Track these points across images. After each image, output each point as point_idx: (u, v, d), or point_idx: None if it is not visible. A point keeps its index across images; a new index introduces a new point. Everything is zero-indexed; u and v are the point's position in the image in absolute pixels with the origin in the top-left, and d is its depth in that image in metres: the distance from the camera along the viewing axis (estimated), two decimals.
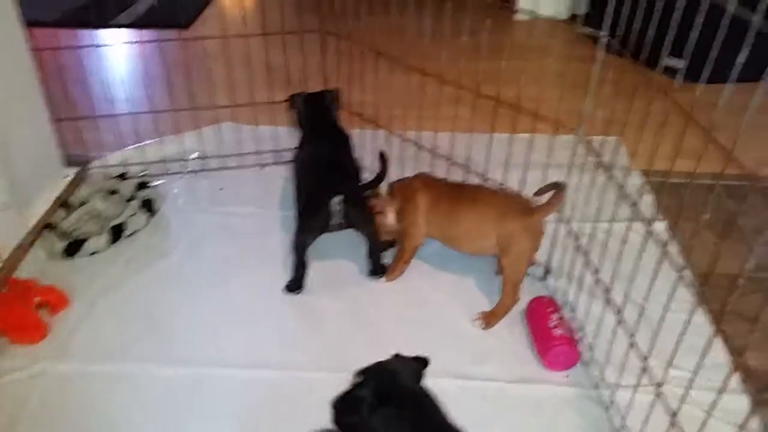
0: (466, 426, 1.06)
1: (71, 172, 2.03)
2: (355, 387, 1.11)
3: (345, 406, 1.11)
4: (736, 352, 0.94)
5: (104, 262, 1.75)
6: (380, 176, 1.63)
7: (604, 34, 1.34)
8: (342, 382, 1.19)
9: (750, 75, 1.05)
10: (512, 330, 1.55)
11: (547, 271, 1.70)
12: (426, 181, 1.68)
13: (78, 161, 2.08)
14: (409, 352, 1.20)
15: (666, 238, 1.15)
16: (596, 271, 1.39)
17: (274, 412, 1.34)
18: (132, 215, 1.85)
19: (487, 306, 1.61)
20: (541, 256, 1.69)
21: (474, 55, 1.58)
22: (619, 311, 1.28)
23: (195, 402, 1.38)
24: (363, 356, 1.17)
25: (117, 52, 1.97)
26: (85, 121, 2.00)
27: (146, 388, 1.41)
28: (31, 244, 1.79)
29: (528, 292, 1.61)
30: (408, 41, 1.71)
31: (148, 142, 2.16)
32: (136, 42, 1.96)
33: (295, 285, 1.65)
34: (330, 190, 1.57)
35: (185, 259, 1.78)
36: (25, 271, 1.70)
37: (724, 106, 0.94)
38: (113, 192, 1.97)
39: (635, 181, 1.36)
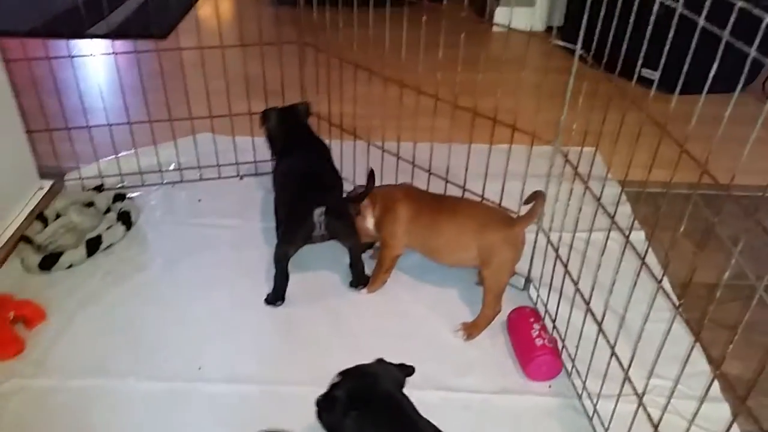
0: None
1: (46, 185, 2.00)
2: (333, 387, 1.14)
3: (323, 405, 1.15)
4: (716, 361, 0.95)
5: (81, 275, 1.72)
6: (364, 193, 1.63)
7: (577, 48, 1.36)
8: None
9: (724, 87, 1.08)
10: (494, 341, 1.56)
11: (528, 282, 1.70)
12: (407, 192, 1.69)
13: (53, 173, 2.05)
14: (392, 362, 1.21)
15: (644, 247, 1.16)
16: (576, 282, 1.40)
17: (253, 427, 1.33)
18: (108, 228, 1.83)
19: (469, 317, 1.61)
20: (522, 266, 1.70)
21: (452, 66, 1.59)
22: (599, 321, 1.29)
23: (174, 417, 1.36)
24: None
25: (92, 63, 1.95)
26: (60, 132, 1.98)
27: (125, 403, 1.38)
28: (6, 257, 1.76)
29: (509, 302, 1.62)
30: (386, 53, 1.71)
31: (124, 153, 2.14)
32: (112, 53, 1.94)
33: (275, 297, 1.64)
34: (312, 202, 1.57)
35: (163, 272, 1.76)
36: (0, 285, 1.66)
37: (699, 116, 0.95)
38: (89, 204, 1.95)
39: (612, 191, 1.37)
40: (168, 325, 1.59)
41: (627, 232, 1.17)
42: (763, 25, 0.79)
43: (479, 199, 1.75)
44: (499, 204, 1.69)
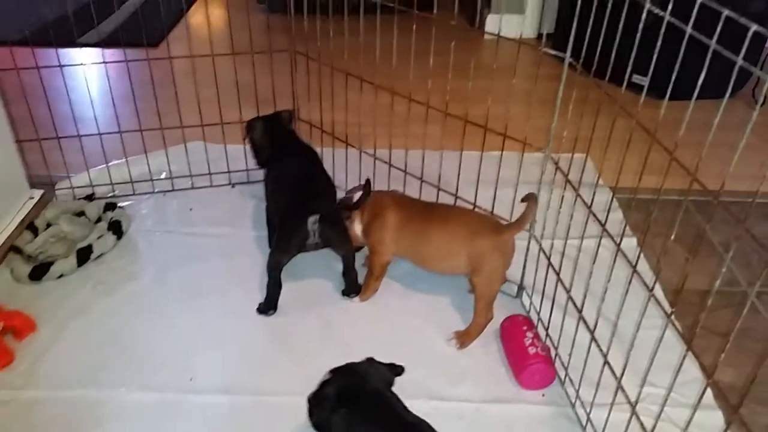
0: None
1: (37, 194, 1.99)
2: (322, 385, 1.17)
3: (313, 403, 1.17)
4: (709, 369, 0.95)
5: (72, 285, 1.71)
6: (359, 202, 1.62)
7: (566, 56, 1.36)
8: None
9: (714, 93, 1.08)
10: (487, 349, 1.55)
11: (521, 289, 1.70)
12: (396, 198, 1.68)
13: (43, 183, 2.04)
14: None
15: (636, 254, 1.16)
16: (569, 289, 1.39)
17: None
18: (99, 237, 1.82)
19: (461, 325, 1.60)
20: (514, 273, 1.70)
21: (443, 74, 1.59)
22: (592, 329, 1.29)
23: (165, 428, 1.35)
24: None
25: (83, 72, 1.95)
26: (50, 141, 1.97)
27: (116, 415, 1.37)
28: None
29: (502, 310, 1.61)
30: (377, 61, 1.71)
31: (115, 162, 2.13)
32: (102, 62, 1.93)
33: (267, 306, 1.63)
34: (306, 210, 1.57)
35: (155, 282, 1.75)
36: None
37: (689, 122, 0.96)
38: (80, 214, 1.94)
39: (603, 197, 1.37)
40: (159, 335, 1.58)
41: (618, 240, 1.17)
42: (750, 34, 0.79)
43: (471, 206, 1.75)
44: (491, 211, 1.69)
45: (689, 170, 0.95)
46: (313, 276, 1.77)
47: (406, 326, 1.62)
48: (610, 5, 1.16)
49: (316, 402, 1.17)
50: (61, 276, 1.72)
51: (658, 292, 1.58)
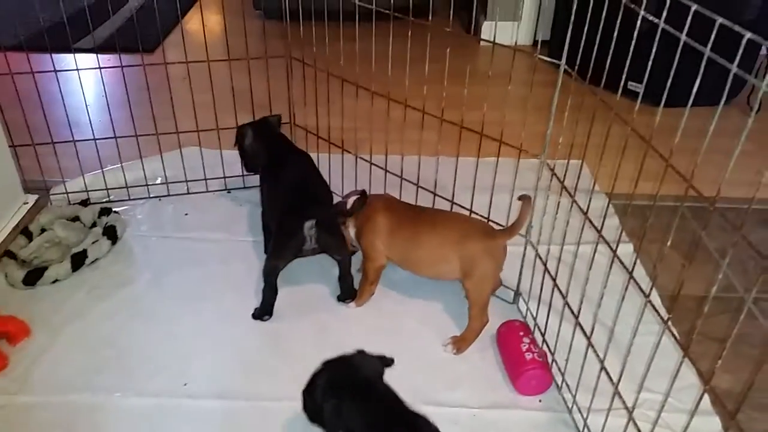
0: None
1: (31, 199, 1.98)
2: (314, 376, 1.20)
3: (306, 395, 1.21)
4: (706, 375, 0.95)
5: (66, 290, 1.71)
6: (353, 209, 1.62)
7: (561, 62, 1.37)
8: None
9: (709, 100, 1.08)
10: (483, 354, 1.55)
11: (518, 295, 1.70)
12: (387, 203, 1.68)
13: (38, 188, 2.03)
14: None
15: (632, 260, 1.16)
16: (565, 295, 1.39)
17: None
18: (94, 242, 1.81)
19: (458, 331, 1.60)
20: (511, 279, 1.70)
21: (439, 80, 1.59)
22: (588, 335, 1.29)
23: None
24: None
25: (78, 78, 1.94)
26: (45, 146, 1.96)
27: (110, 420, 1.37)
28: None
29: (498, 315, 1.61)
30: (373, 67, 1.72)
31: (110, 167, 2.13)
32: (98, 68, 1.93)
33: (263, 311, 1.63)
34: (302, 215, 1.56)
35: (150, 287, 1.74)
36: None
37: (684, 129, 0.96)
38: (75, 219, 1.93)
39: (599, 203, 1.38)
40: (154, 340, 1.57)
41: (614, 246, 1.17)
42: (744, 42, 0.80)
43: (467, 212, 1.75)
44: (488, 217, 1.69)
45: (685, 177, 0.95)
46: (309, 281, 1.77)
47: (403, 332, 1.62)
48: (605, 12, 1.16)
49: (308, 393, 1.20)
50: (55, 281, 1.72)
51: (655, 298, 1.59)
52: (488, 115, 1.54)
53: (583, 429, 1.33)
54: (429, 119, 1.70)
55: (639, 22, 1.05)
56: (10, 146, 1.90)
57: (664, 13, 0.99)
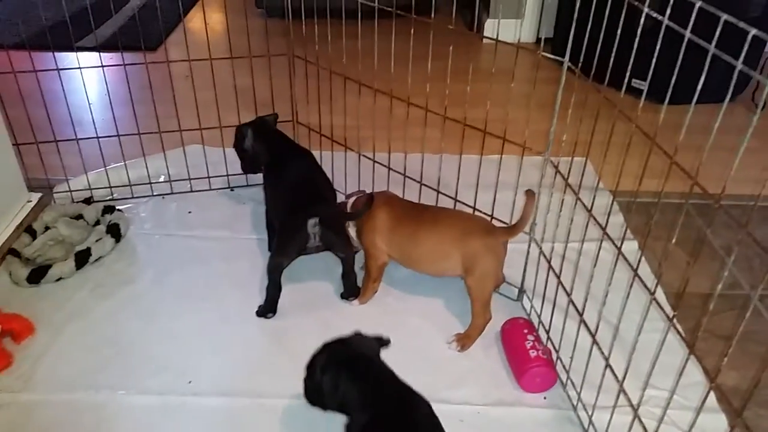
0: None
1: (35, 197, 1.98)
2: (314, 356, 1.24)
3: (306, 374, 1.24)
4: (712, 373, 0.94)
5: (70, 288, 1.71)
6: (360, 213, 1.62)
7: (565, 60, 1.36)
8: (312, 410, 1.19)
9: (714, 97, 1.08)
10: (488, 352, 1.55)
11: (522, 292, 1.70)
12: (387, 200, 1.68)
13: (42, 186, 2.03)
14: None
15: (637, 258, 1.16)
16: (570, 292, 1.39)
17: None
18: (98, 240, 1.81)
19: (462, 328, 1.60)
20: (515, 276, 1.70)
21: (442, 78, 1.59)
22: (593, 333, 1.28)
23: (164, 430, 1.35)
24: None
25: (81, 76, 1.94)
26: (48, 145, 1.96)
27: (114, 418, 1.37)
28: None
29: (503, 313, 1.61)
30: (375, 65, 1.71)
31: (113, 165, 2.13)
32: (100, 66, 1.93)
33: (267, 309, 1.63)
34: (306, 213, 1.56)
35: (153, 285, 1.74)
36: None
37: (689, 126, 0.96)
38: (78, 217, 1.93)
39: (604, 201, 1.37)
40: (158, 338, 1.57)
41: (619, 244, 1.17)
42: (749, 38, 0.80)
43: (471, 210, 1.75)
44: (491, 214, 1.69)
45: (690, 174, 0.95)
46: (313, 279, 1.77)
47: (406, 329, 1.62)
48: (608, 9, 1.16)
49: (309, 371, 1.23)
50: (59, 279, 1.72)
51: (660, 295, 1.59)
52: (491, 112, 1.54)
53: (588, 426, 1.33)
54: (432, 117, 1.70)
55: (643, 19, 1.05)
56: (13, 144, 1.91)
57: (668, 10, 0.99)
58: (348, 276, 1.68)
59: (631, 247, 1.80)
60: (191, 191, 2.14)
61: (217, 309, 1.66)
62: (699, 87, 0.93)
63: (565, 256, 1.44)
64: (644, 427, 1.15)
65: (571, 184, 1.38)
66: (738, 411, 0.91)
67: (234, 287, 1.73)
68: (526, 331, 1.51)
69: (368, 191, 1.71)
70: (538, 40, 3.47)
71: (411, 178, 1.87)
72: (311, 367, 1.23)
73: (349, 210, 1.69)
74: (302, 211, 1.58)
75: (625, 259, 1.17)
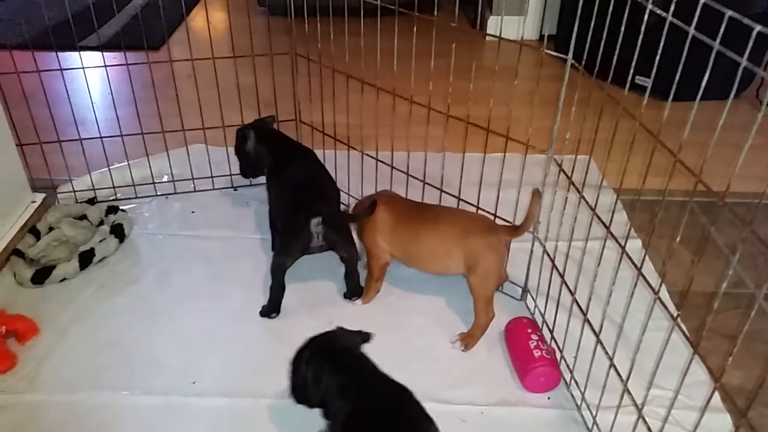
0: None
1: (39, 198, 1.98)
2: (298, 351, 1.26)
3: (290, 370, 1.26)
4: (716, 373, 0.94)
5: (74, 288, 1.71)
6: (364, 215, 1.62)
7: (568, 57, 1.36)
8: (314, 410, 1.19)
9: (718, 94, 1.07)
10: (491, 352, 1.54)
11: (525, 292, 1.69)
12: (388, 199, 1.67)
13: (45, 186, 2.04)
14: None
15: (641, 256, 1.15)
16: (573, 291, 1.38)
17: None
18: (101, 241, 1.81)
19: (464, 326, 1.60)
20: (518, 276, 1.69)
21: (445, 76, 1.58)
22: (597, 332, 1.28)
23: (167, 431, 1.35)
24: None
25: (84, 76, 1.94)
26: (52, 145, 1.96)
27: (118, 418, 1.37)
28: None
29: (506, 312, 1.61)
30: (378, 63, 1.71)
31: (116, 165, 2.13)
32: (103, 66, 1.93)
33: (271, 309, 1.63)
34: (309, 212, 1.56)
35: (157, 285, 1.74)
36: None
37: (693, 123, 0.95)
38: (82, 217, 1.94)
39: (607, 199, 1.37)
40: (162, 338, 1.57)
41: (623, 242, 1.16)
42: (754, 35, 0.79)
43: (474, 208, 1.74)
44: (495, 213, 1.68)
45: (694, 172, 0.94)
46: (316, 279, 1.77)
47: (409, 328, 1.61)
48: (612, 6, 1.15)
49: (294, 367, 1.25)
50: (63, 280, 1.72)
51: (664, 294, 1.58)
52: (494, 110, 1.53)
53: (593, 426, 1.32)
54: (435, 115, 1.69)
55: (646, 16, 1.04)
56: (17, 145, 1.91)
57: (672, 7, 0.98)
58: (351, 276, 1.68)
59: (635, 245, 1.79)
60: (194, 191, 2.14)
61: (222, 309, 1.66)
62: (704, 84, 0.92)
63: (568, 255, 1.43)
64: (648, 427, 1.14)
65: (575, 182, 1.37)
66: (743, 411, 0.90)
67: (237, 287, 1.73)
68: (529, 330, 1.50)
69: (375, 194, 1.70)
70: (542, 37, 3.46)
71: (414, 177, 1.87)
72: (295, 362, 1.25)
73: (350, 212, 1.68)
74: (305, 210, 1.58)
75: (629, 257, 1.16)
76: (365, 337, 1.31)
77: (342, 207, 1.87)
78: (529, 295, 1.69)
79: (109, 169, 2.10)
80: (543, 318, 1.58)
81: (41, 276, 1.69)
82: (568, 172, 1.40)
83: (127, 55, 1.91)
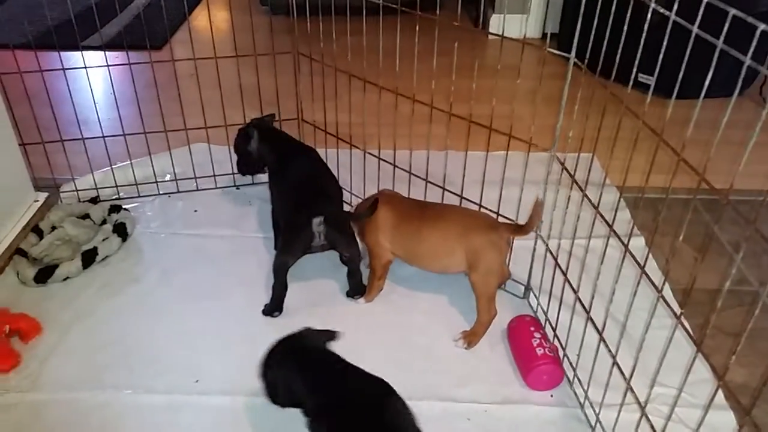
0: None
1: (41, 197, 1.98)
2: (267, 353, 1.29)
3: (262, 370, 1.29)
4: (720, 370, 0.94)
5: (77, 287, 1.71)
6: (364, 215, 1.62)
7: (571, 56, 1.35)
8: None
9: (721, 91, 1.07)
10: (494, 350, 1.54)
11: (528, 289, 1.69)
12: (389, 198, 1.67)
13: (48, 185, 2.04)
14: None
15: (644, 254, 1.15)
16: (576, 289, 1.38)
17: None
18: (104, 240, 1.82)
19: (466, 325, 1.60)
20: (521, 274, 1.69)
21: (447, 74, 1.58)
22: (600, 330, 1.28)
23: (171, 429, 1.35)
24: None
25: (86, 75, 1.95)
26: (55, 144, 1.97)
27: (121, 417, 1.37)
28: (1, 271, 1.75)
29: (509, 310, 1.61)
30: (380, 61, 1.71)
31: (119, 164, 2.13)
32: (105, 65, 1.93)
33: (273, 307, 1.63)
34: (311, 211, 1.56)
35: (160, 284, 1.74)
36: None
37: (696, 120, 0.95)
38: (85, 216, 1.94)
39: (611, 197, 1.37)
40: (165, 337, 1.57)
41: (626, 240, 1.16)
42: (758, 33, 0.79)
43: (477, 206, 1.74)
44: (497, 211, 1.68)
45: (697, 170, 0.94)
46: (319, 277, 1.77)
47: (412, 327, 1.61)
48: (614, 4, 1.15)
49: (262, 369, 1.28)
50: (66, 278, 1.73)
51: (667, 292, 1.57)
52: (497, 108, 1.53)
53: (596, 424, 1.32)
54: (437, 113, 1.69)
55: (650, 15, 1.04)
56: (20, 144, 1.91)
57: (675, 5, 0.98)
58: (353, 274, 1.68)
59: (638, 243, 1.79)
60: (197, 190, 2.14)
61: (224, 308, 1.66)
62: (707, 82, 0.92)
63: (571, 253, 1.43)
64: (652, 425, 1.14)
65: (578, 181, 1.37)
66: (747, 409, 0.90)
67: (240, 286, 1.73)
68: (532, 328, 1.50)
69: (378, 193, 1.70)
70: (544, 35, 3.45)
71: (416, 176, 1.87)
72: (263, 365, 1.28)
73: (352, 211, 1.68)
74: (307, 209, 1.58)
75: (632, 255, 1.16)
76: (331, 335, 1.33)
77: (345, 206, 1.86)
78: (531, 293, 1.69)
79: (112, 169, 2.10)
80: (546, 316, 1.58)
81: (44, 275, 1.70)
82: (571, 170, 1.39)
83: (130, 55, 1.91)
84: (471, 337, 1.55)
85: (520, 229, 1.52)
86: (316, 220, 1.55)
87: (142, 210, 2.05)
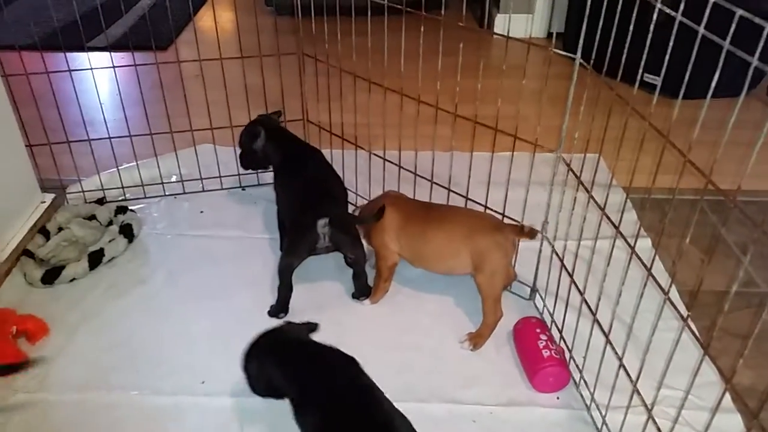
0: None
1: (48, 198, 1.99)
2: (246, 349, 1.32)
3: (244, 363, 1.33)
4: (727, 373, 0.93)
5: (84, 288, 1.72)
6: (371, 219, 1.62)
7: (577, 57, 1.35)
8: None
9: (728, 91, 1.06)
10: (500, 352, 1.54)
11: (534, 291, 1.69)
12: (394, 200, 1.67)
13: (55, 187, 2.05)
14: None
15: (651, 256, 1.14)
16: (583, 291, 1.38)
17: None
18: (111, 241, 1.82)
19: (472, 326, 1.60)
20: (527, 275, 1.68)
21: (452, 75, 1.58)
22: (606, 332, 1.27)
23: (177, 430, 1.35)
24: None
25: (92, 76, 1.95)
26: (61, 145, 1.97)
27: (128, 418, 1.38)
28: (8, 272, 1.75)
29: (515, 312, 1.60)
30: (385, 62, 1.70)
31: (125, 165, 2.14)
32: (111, 67, 1.93)
33: (279, 309, 1.63)
34: (315, 213, 1.56)
35: (166, 285, 1.75)
36: (2, 299, 1.66)
37: (703, 121, 0.94)
38: (91, 217, 1.94)
39: (617, 198, 1.36)
40: (171, 338, 1.58)
41: (633, 242, 1.15)
42: (765, 34, 0.78)
43: (482, 207, 1.73)
44: (503, 212, 1.68)
45: (704, 173, 0.93)
46: (324, 279, 1.77)
47: (417, 328, 1.61)
48: (620, 4, 1.14)
49: (243, 364, 1.32)
50: (73, 280, 1.73)
51: (674, 294, 1.57)
52: (502, 109, 1.52)
53: (602, 427, 1.32)
54: (442, 114, 1.69)
55: (656, 15, 1.03)
56: (26, 146, 1.92)
57: (681, 6, 0.97)
58: (359, 276, 1.67)
59: (644, 245, 1.78)
60: (203, 191, 2.15)
61: (230, 309, 1.66)
62: (714, 82, 0.91)
63: (577, 255, 1.42)
64: (658, 428, 1.14)
65: (584, 182, 1.36)
66: (754, 412, 0.89)
67: (246, 287, 1.74)
68: (538, 330, 1.49)
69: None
70: (549, 35, 3.44)
71: (422, 177, 1.87)
72: (243, 360, 1.31)
73: (358, 213, 1.68)
74: (312, 211, 1.58)
75: (639, 257, 1.15)
76: (312, 327, 1.37)
77: (350, 207, 1.86)
78: (537, 295, 1.69)
79: (118, 170, 2.10)
80: (552, 318, 1.57)
81: (51, 276, 1.70)
82: (577, 171, 1.39)
83: (135, 56, 1.91)
84: (477, 339, 1.55)
85: (526, 232, 1.51)
86: (321, 222, 1.55)
87: (148, 211, 2.05)
